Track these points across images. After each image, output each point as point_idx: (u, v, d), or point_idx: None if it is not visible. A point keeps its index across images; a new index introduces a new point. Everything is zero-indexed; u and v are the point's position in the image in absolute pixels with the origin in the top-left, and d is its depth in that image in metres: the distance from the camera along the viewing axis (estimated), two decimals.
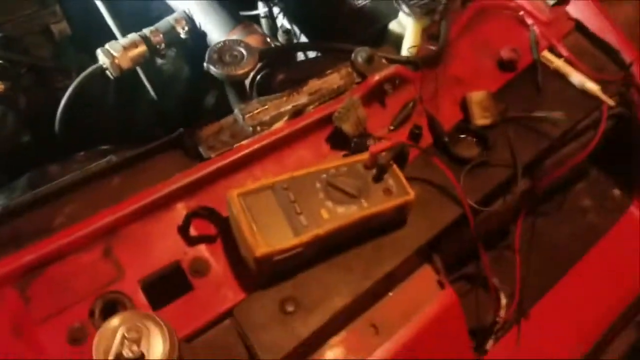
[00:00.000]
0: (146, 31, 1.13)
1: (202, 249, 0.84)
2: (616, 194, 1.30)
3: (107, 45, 1.09)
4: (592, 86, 1.13)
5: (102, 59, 1.09)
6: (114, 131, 1.30)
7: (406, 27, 1.20)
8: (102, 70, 1.10)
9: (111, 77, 1.11)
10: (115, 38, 1.18)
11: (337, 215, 0.82)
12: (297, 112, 0.97)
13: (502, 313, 1.04)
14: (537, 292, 1.13)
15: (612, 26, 1.23)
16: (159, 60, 1.33)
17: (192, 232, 0.84)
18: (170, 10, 1.28)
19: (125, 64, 1.10)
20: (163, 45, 1.14)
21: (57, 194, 0.85)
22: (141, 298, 0.78)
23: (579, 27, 1.25)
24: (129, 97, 1.34)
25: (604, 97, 1.13)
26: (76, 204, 0.85)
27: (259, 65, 1.05)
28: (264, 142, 0.92)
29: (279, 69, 1.07)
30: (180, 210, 0.86)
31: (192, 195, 0.87)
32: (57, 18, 1.25)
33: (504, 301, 1.04)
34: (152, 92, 1.26)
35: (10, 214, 0.82)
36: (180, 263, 0.82)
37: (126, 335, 0.58)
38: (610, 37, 1.23)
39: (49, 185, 0.88)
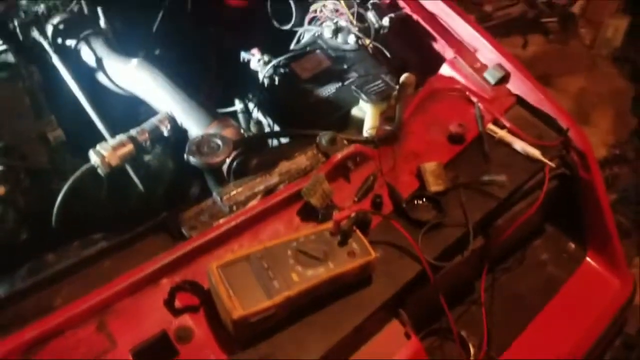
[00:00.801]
0: (133, 131, 1.27)
1: (187, 318, 0.93)
2: (571, 247, 1.40)
3: (97, 146, 1.22)
4: (533, 151, 1.26)
5: (94, 158, 1.22)
6: (106, 223, 1.41)
7: (366, 111, 1.35)
8: (93, 169, 1.23)
9: (102, 174, 1.23)
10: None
11: (306, 277, 0.92)
12: (269, 191, 1.09)
13: None
14: (504, 341, 1.20)
15: (548, 98, 1.38)
16: (146, 157, 1.47)
17: (177, 304, 0.93)
18: (155, 112, 1.42)
19: (114, 161, 1.22)
20: (149, 143, 1.27)
21: (55, 278, 0.96)
22: None
23: (520, 101, 1.41)
24: (120, 191, 1.46)
25: (545, 160, 1.26)
26: (72, 286, 0.95)
27: (234, 153, 1.18)
28: (240, 220, 1.03)
29: (252, 155, 1.20)
30: (166, 285, 0.95)
31: (177, 271, 0.98)
32: (52, 127, 1.40)
33: (472, 351, 1.11)
34: (140, 186, 1.38)
35: (14, 297, 0.91)
36: (166, 332, 0.91)
37: None
38: (547, 107, 1.38)
39: (47, 271, 0.97)
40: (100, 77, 1.46)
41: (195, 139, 1.13)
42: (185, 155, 1.11)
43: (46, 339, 0.86)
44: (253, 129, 1.44)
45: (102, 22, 1.51)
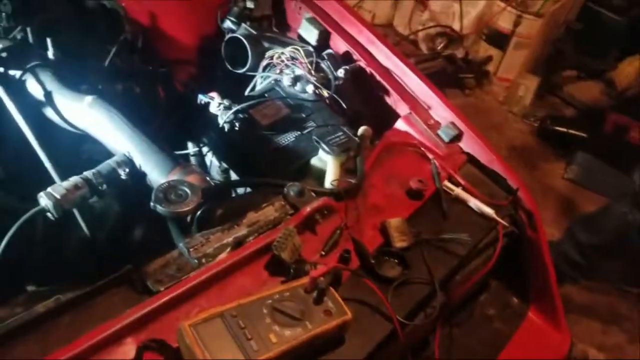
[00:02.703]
0: (88, 174, 1.19)
1: None
2: (515, 302, 1.47)
3: (49, 189, 1.14)
4: (488, 210, 1.32)
5: (45, 201, 1.13)
6: (44, 269, 1.30)
7: (326, 162, 1.36)
8: (43, 212, 1.14)
9: (52, 218, 1.15)
10: (46, 180, 1.22)
11: (284, 338, 0.89)
12: (238, 243, 1.06)
13: None
14: None
15: (498, 158, 1.45)
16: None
17: None
18: (99, 152, 1.35)
19: (68, 205, 1.14)
20: (105, 187, 1.20)
21: (8, 335, 0.87)
22: None
23: (471, 159, 1.47)
24: (58, 235, 1.36)
25: (498, 219, 1.31)
26: (28, 344, 0.87)
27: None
28: (210, 273, 0.99)
29: (217, 204, 1.17)
30: (131, 343, 0.89)
31: (143, 328, 0.92)
32: None
33: None
34: (86, 230, 1.30)
35: None
36: None
37: None
38: (497, 167, 1.45)
39: None
40: (48, 112, 1.37)
41: (162, 186, 1.08)
42: (152, 204, 1.06)
43: None
44: (219, 175, 1.40)
45: (50, 53, 1.42)
